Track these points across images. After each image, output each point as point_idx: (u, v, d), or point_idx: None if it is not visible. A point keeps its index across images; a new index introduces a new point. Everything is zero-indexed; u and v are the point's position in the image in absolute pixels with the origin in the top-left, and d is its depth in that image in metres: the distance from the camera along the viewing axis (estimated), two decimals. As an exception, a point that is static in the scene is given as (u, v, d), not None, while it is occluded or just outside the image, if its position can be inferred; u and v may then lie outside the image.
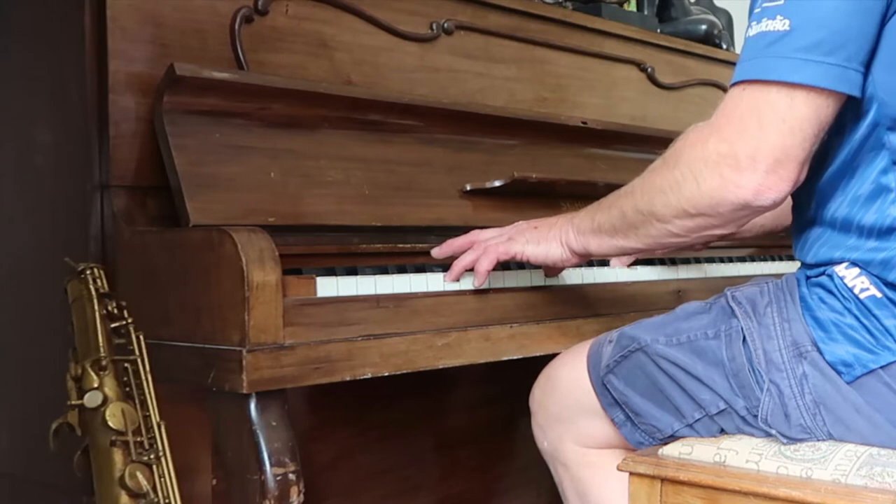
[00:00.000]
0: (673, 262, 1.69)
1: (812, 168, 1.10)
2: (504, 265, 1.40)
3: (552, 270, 1.39)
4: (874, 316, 1.04)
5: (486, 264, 1.29)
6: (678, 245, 1.22)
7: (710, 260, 1.80)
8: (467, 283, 1.31)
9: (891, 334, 1.03)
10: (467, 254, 1.31)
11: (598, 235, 1.21)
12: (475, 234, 1.33)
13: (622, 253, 1.27)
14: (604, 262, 1.57)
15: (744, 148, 0.99)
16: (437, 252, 1.34)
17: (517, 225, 1.33)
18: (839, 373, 1.05)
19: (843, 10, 0.98)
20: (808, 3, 0.99)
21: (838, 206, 1.08)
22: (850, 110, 1.04)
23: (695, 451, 1.12)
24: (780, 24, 0.99)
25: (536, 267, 1.40)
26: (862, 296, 1.05)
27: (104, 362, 1.11)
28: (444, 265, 1.34)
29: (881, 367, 1.03)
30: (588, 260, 1.31)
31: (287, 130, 1.34)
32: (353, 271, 1.25)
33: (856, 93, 1.00)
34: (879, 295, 1.04)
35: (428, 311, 1.26)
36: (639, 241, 1.16)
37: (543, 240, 1.29)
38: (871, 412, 1.04)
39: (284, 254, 1.13)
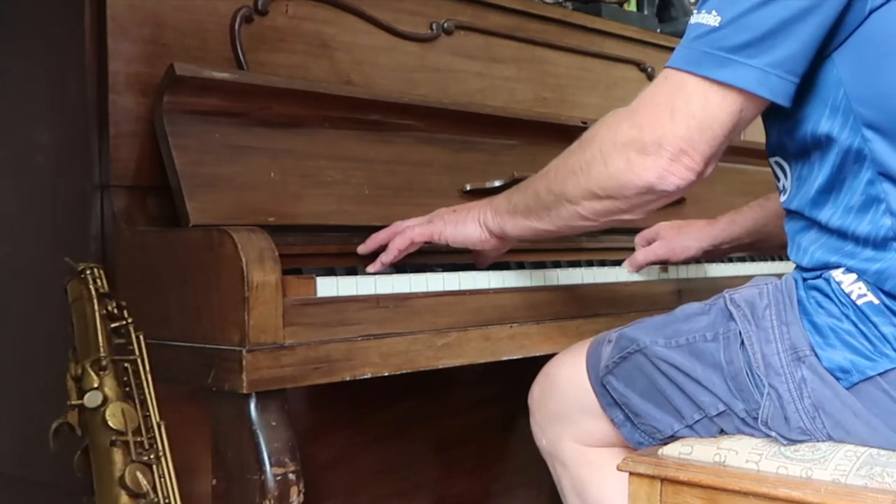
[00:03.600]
0: (673, 262, 1.69)
1: (800, 181, 1.10)
2: (504, 265, 1.40)
3: (481, 258, 1.39)
4: (872, 323, 1.03)
5: (398, 242, 1.29)
6: (588, 230, 1.22)
7: (710, 260, 1.80)
8: (467, 283, 1.31)
9: (889, 342, 1.02)
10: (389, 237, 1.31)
11: (514, 216, 1.22)
12: (397, 224, 1.34)
13: (536, 235, 1.25)
14: (603, 263, 1.57)
15: (651, 135, 1.01)
16: (363, 248, 1.34)
17: (438, 210, 1.34)
18: (837, 378, 1.04)
19: (776, 16, 0.97)
20: (742, 3, 0.98)
21: (831, 216, 1.07)
22: (829, 123, 1.03)
23: (695, 452, 1.12)
24: (712, 19, 1.00)
25: (536, 266, 1.40)
26: (859, 302, 1.04)
27: (104, 362, 1.11)
28: (445, 265, 1.34)
29: (879, 374, 1.02)
30: (507, 242, 1.31)
31: (287, 130, 1.34)
32: (353, 271, 1.25)
33: (779, 100, 0.99)
34: (877, 302, 1.03)
35: (428, 311, 1.26)
36: (551, 222, 1.18)
37: (461, 222, 1.29)
38: (869, 417, 1.03)
39: (284, 254, 1.13)
